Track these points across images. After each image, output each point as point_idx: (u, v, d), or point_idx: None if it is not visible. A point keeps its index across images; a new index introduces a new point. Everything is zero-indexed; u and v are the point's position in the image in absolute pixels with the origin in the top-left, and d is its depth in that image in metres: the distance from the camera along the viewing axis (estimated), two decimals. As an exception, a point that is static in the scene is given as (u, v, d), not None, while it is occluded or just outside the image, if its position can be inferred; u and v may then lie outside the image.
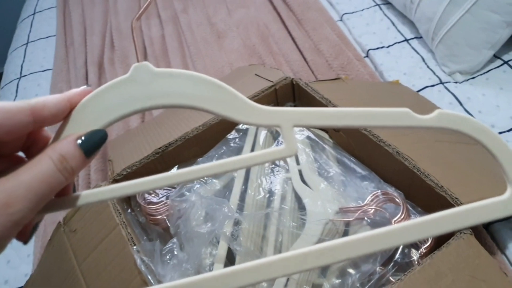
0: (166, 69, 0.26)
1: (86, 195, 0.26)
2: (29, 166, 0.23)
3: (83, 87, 0.27)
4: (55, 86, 1.06)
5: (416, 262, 0.47)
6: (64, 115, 0.26)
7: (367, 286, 0.47)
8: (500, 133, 0.68)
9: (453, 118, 0.28)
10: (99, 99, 0.26)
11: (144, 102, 0.25)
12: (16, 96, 1.06)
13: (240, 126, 0.65)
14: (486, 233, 0.54)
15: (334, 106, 0.61)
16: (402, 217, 0.47)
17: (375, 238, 0.27)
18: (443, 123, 0.27)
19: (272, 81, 0.69)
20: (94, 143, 0.25)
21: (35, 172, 0.22)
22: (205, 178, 0.57)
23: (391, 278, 0.48)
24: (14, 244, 0.76)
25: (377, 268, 0.47)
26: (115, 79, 0.26)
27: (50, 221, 0.76)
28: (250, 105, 0.26)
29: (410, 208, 0.49)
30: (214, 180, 0.59)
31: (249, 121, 0.26)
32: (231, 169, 0.27)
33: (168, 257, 0.47)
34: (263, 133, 0.63)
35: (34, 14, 1.34)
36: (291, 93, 0.70)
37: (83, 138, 0.24)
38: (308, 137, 0.60)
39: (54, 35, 1.24)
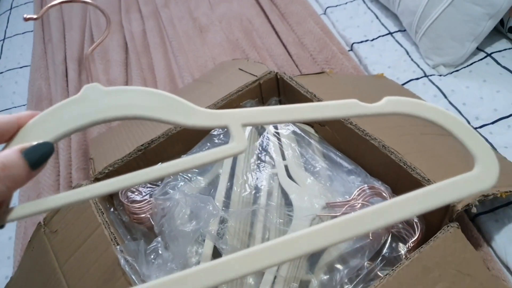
0: (115, 87, 0.27)
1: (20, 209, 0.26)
2: None
3: (33, 112, 0.27)
4: (33, 84, 1.03)
5: (403, 256, 0.47)
6: (11, 134, 0.25)
7: (356, 282, 0.47)
8: (484, 125, 0.69)
9: (401, 102, 0.28)
10: (49, 117, 0.26)
11: (94, 116, 0.27)
12: (-8, 93, 1.03)
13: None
14: (473, 226, 0.54)
15: (319, 100, 0.60)
16: (389, 211, 0.47)
17: (361, 219, 0.28)
18: (392, 109, 0.28)
19: (256, 76, 0.68)
20: (40, 155, 0.24)
21: None
22: (189, 175, 0.56)
23: (379, 273, 0.48)
24: (-7, 247, 0.73)
25: (365, 263, 0.47)
26: (65, 100, 0.27)
27: (30, 222, 0.73)
28: (197, 110, 0.28)
29: (397, 201, 0.49)
30: (198, 178, 0.58)
31: (197, 124, 0.28)
32: (181, 170, 0.28)
33: (152, 256, 0.46)
34: (248, 129, 0.62)
35: (10, 9, 1.30)
36: (275, 88, 0.70)
37: (28, 148, 0.24)
38: (294, 132, 0.60)
39: (31, 31, 1.20)
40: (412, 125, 0.59)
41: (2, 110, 0.99)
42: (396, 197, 0.28)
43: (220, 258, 0.25)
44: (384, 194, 0.49)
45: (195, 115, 0.28)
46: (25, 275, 0.58)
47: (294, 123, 0.61)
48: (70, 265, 0.51)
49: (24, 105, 0.99)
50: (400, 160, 0.50)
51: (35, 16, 0.34)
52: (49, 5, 0.34)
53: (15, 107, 0.99)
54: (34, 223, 0.73)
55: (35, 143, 0.25)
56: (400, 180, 0.50)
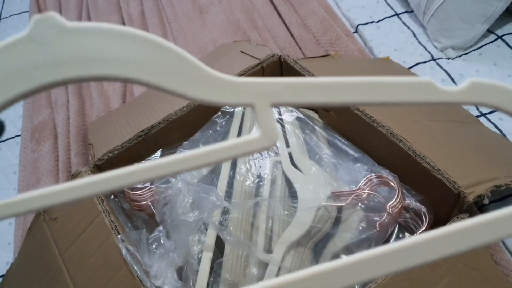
0: (81, 24, 0.17)
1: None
2: None
3: None
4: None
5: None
6: None
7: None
8: (493, 111, 0.67)
9: (491, 90, 0.19)
10: None
11: (51, 72, 0.17)
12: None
13: (225, 108, 0.62)
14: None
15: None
16: (397, 201, 0.45)
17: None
18: (479, 99, 0.19)
19: (258, 59, 0.65)
20: None
21: None
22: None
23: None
24: (-7, 233, 0.73)
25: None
26: (8, 40, 0.17)
27: (30, 208, 0.73)
28: (209, 74, 0.18)
29: (405, 191, 0.48)
30: (200, 164, 0.56)
31: (207, 99, 0.18)
32: (193, 167, 0.19)
33: (154, 246, 0.45)
34: (249, 115, 0.60)
35: (5, -12, 1.26)
36: (278, 71, 0.67)
37: None
38: (298, 118, 0.58)
39: (27, 11, 1.17)
40: (420, 112, 0.57)
41: None
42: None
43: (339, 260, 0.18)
44: (392, 184, 0.47)
45: (205, 82, 0.18)
46: (25, 263, 0.57)
47: (341, 106, 0.59)
48: (71, 253, 0.50)
49: (21, 88, 0.97)
50: (409, 148, 0.48)
51: None
52: None
53: (12, 90, 0.97)
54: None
55: None
56: (409, 169, 0.49)
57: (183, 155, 0.19)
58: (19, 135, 0.88)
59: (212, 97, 0.18)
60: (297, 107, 0.60)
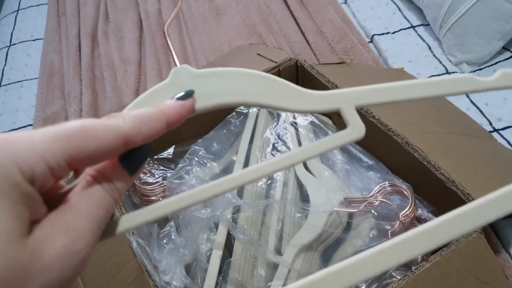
0: (207, 69, 0.24)
1: (126, 220, 0.23)
2: (80, 192, 0.20)
3: (178, 102, 0.24)
4: (45, 57, 1.02)
5: (420, 258, 0.46)
6: (158, 136, 0.23)
7: (370, 281, 0.46)
8: (507, 127, 0.67)
9: None
10: (141, 105, 0.24)
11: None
12: (5, 65, 1.02)
13: (240, 109, 0.62)
14: (491, 231, 0.53)
15: (340, 91, 0.59)
16: (410, 210, 0.45)
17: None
18: (508, 83, 0.26)
19: (275, 62, 0.66)
20: (136, 161, 0.22)
21: (89, 197, 0.20)
22: (204, 160, 0.55)
23: (393, 273, 0.47)
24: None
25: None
26: (156, 85, 0.24)
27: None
28: (304, 92, 0.25)
29: (417, 202, 0.48)
30: (213, 163, 0.57)
31: (306, 109, 0.25)
32: (294, 163, 0.25)
33: (165, 241, 0.45)
34: (263, 117, 0.60)
35: (24, -21, 1.28)
36: (294, 76, 0.68)
37: (125, 157, 0.22)
38: (312, 122, 0.58)
39: (45, 3, 1.18)
40: (435, 123, 0.57)
41: (14, 82, 0.97)
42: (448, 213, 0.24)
43: (352, 258, 0.22)
44: (405, 193, 0.47)
45: (302, 98, 0.25)
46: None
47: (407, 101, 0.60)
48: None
49: (35, 78, 0.98)
50: (423, 158, 0.48)
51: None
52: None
53: (27, 79, 0.98)
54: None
55: (130, 149, 0.22)
56: (422, 179, 0.49)
57: (278, 157, 0.25)
58: (31, 125, 0.88)
59: (309, 107, 0.25)
60: (374, 105, 0.61)
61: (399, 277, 0.44)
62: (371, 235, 0.46)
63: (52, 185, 0.20)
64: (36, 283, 0.18)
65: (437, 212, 0.48)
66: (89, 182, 0.21)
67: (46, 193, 0.20)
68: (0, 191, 0.17)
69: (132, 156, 0.22)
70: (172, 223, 0.47)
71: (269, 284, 0.42)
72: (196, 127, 0.60)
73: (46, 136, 0.19)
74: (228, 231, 0.48)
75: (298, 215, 0.45)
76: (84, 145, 0.20)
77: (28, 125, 0.88)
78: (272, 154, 0.56)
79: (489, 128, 0.67)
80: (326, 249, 0.48)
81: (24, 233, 0.18)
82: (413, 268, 0.41)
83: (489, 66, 0.77)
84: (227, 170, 0.57)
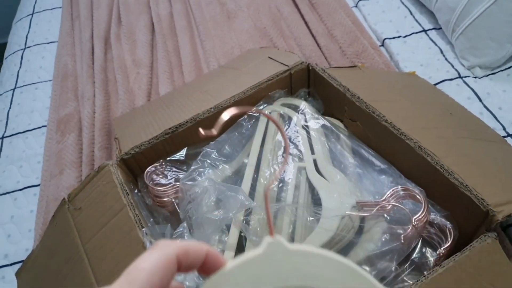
0: (301, 247, 0.23)
1: None
2: None
3: (214, 252, 0.24)
4: (59, 60, 1.03)
5: (433, 263, 0.46)
6: (198, 264, 0.24)
7: (382, 284, 0.45)
8: (521, 132, 0.66)
9: None
10: (231, 276, 0.23)
11: (277, 283, 0.23)
12: (20, 67, 1.03)
13: (252, 112, 0.62)
14: (505, 236, 0.52)
15: (352, 94, 0.59)
16: (423, 214, 0.45)
17: None
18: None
19: (287, 65, 0.66)
20: None
21: None
22: (217, 162, 0.55)
23: (405, 278, 0.47)
24: (16, 219, 0.74)
25: (393, 267, 0.45)
26: (248, 255, 0.23)
27: (52, 197, 0.74)
28: None
29: (430, 206, 0.48)
30: (225, 166, 0.57)
31: None
32: None
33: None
34: (274, 119, 0.61)
35: (39, -17, 1.30)
36: (306, 79, 0.68)
37: None
38: (324, 126, 0.58)
39: (60, 7, 1.20)
40: (448, 127, 0.57)
41: (29, 84, 0.99)
42: None
43: None
44: (418, 197, 0.47)
45: None
46: (47, 250, 0.58)
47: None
48: (93, 244, 0.51)
49: (49, 80, 1.00)
50: (436, 163, 0.48)
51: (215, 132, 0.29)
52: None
53: (41, 82, 1.00)
54: (55, 198, 0.74)
55: None
56: (435, 184, 0.48)
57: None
58: (45, 126, 0.89)
59: None
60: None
61: (411, 282, 0.44)
62: (383, 239, 0.46)
63: None
64: None
65: (450, 217, 0.48)
66: None
67: None
68: None
69: None
70: (185, 224, 0.47)
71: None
72: (209, 129, 0.61)
73: None
74: (240, 233, 0.48)
75: (310, 218, 0.45)
76: None
77: (43, 126, 0.90)
78: (283, 157, 0.56)
79: (502, 133, 0.66)
80: (338, 253, 0.48)
81: None
82: (425, 273, 0.41)
83: (502, 70, 0.77)
84: (238, 172, 0.57)
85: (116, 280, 0.21)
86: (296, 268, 0.23)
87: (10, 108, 0.95)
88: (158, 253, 0.22)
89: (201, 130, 0.28)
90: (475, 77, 0.77)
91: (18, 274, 0.63)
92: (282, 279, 0.23)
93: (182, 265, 0.23)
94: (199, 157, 0.55)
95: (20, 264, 0.62)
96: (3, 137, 0.89)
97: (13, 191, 0.79)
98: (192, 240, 0.23)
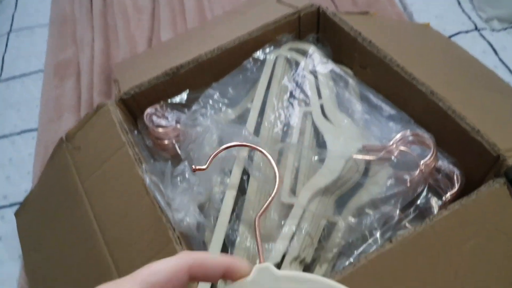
0: (289, 273, 0.24)
1: None
2: None
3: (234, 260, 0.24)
4: (57, 3, 0.99)
5: (437, 209, 0.45)
6: (218, 278, 0.24)
7: (384, 229, 0.45)
8: (536, 85, 0.64)
9: None
10: None
11: None
12: (15, 10, 0.99)
13: (257, 55, 0.60)
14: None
15: (364, 39, 0.56)
16: (431, 159, 0.44)
17: None
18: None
19: (296, 6, 0.63)
20: None
21: None
22: (220, 105, 0.53)
23: (407, 224, 0.46)
24: (14, 161, 0.73)
25: (397, 212, 0.45)
26: (240, 281, 0.24)
27: (51, 141, 0.73)
28: None
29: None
30: (228, 110, 0.55)
31: None
32: None
33: (179, 179, 0.44)
34: (281, 64, 0.58)
35: None
36: (315, 23, 0.65)
37: None
38: (332, 71, 0.56)
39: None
40: (461, 76, 0.55)
41: (25, 28, 0.96)
42: None
43: None
44: (427, 142, 0.46)
45: None
46: (45, 189, 0.58)
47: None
48: (92, 182, 0.50)
49: (46, 24, 0.96)
50: (448, 108, 0.46)
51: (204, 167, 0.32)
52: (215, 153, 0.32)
53: (38, 26, 0.96)
54: (54, 142, 0.72)
55: None
56: (445, 130, 0.47)
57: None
58: (43, 70, 0.87)
59: None
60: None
61: (409, 227, 0.43)
62: (389, 183, 0.45)
63: None
64: None
65: (458, 164, 0.46)
66: None
67: None
68: None
69: None
70: (186, 163, 0.46)
71: (282, 222, 0.42)
72: (211, 73, 0.59)
73: None
74: (242, 175, 0.47)
75: (315, 157, 0.43)
76: None
77: (39, 71, 0.87)
78: (290, 102, 0.54)
79: (515, 88, 0.64)
80: (341, 196, 0.47)
81: None
82: (430, 216, 0.40)
83: (520, 24, 0.73)
84: (242, 117, 0.55)
85: (126, 276, 0.22)
86: None
87: (5, 51, 0.92)
88: (172, 261, 0.22)
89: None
90: (493, 30, 0.73)
91: (17, 213, 0.63)
92: None
93: (197, 277, 0.23)
94: (201, 98, 0.53)
95: (19, 205, 0.62)
96: None
97: (10, 135, 0.78)
98: (216, 253, 0.24)
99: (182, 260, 0.23)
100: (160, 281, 0.21)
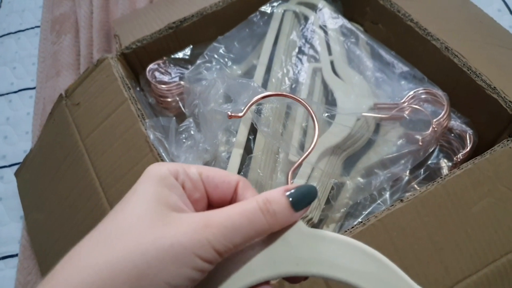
0: (319, 231, 0.23)
1: None
2: (234, 204, 0.22)
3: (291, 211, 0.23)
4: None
5: (449, 169, 0.44)
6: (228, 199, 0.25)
7: (394, 189, 0.44)
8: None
9: None
10: (244, 257, 0.23)
11: (292, 267, 0.22)
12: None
13: (264, 9, 0.57)
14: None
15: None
16: (444, 117, 0.42)
17: None
18: None
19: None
20: (302, 196, 0.23)
21: (238, 206, 0.22)
22: (226, 59, 0.51)
23: (416, 186, 0.45)
24: (12, 121, 0.71)
25: (407, 172, 0.44)
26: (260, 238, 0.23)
27: (49, 99, 0.71)
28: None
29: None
30: (234, 66, 0.53)
31: None
32: None
33: (184, 136, 0.43)
34: (289, 18, 0.56)
35: None
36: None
37: (292, 190, 0.23)
38: (343, 26, 0.53)
39: None
40: (477, 33, 0.52)
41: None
42: None
43: None
44: (440, 100, 0.44)
45: None
46: (45, 147, 0.56)
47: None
48: (93, 139, 0.49)
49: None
50: (463, 64, 0.44)
51: (240, 114, 0.29)
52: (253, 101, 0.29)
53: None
54: (52, 100, 0.70)
55: (300, 184, 0.23)
56: (460, 88, 0.45)
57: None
58: (39, 26, 0.84)
59: None
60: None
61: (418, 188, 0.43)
62: (400, 142, 0.43)
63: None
64: None
65: (471, 124, 0.45)
66: (247, 199, 0.23)
67: None
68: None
69: (296, 189, 0.22)
70: (191, 119, 0.44)
71: (291, 182, 0.40)
72: (216, 26, 0.56)
73: None
74: (248, 135, 0.46)
75: (326, 114, 0.42)
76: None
77: (36, 27, 0.84)
78: (298, 58, 0.52)
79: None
80: (350, 157, 0.46)
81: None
82: (443, 175, 0.39)
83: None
84: (248, 73, 0.53)
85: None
86: (312, 253, 0.22)
87: (0, 6, 0.88)
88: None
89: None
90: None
91: (17, 173, 0.62)
92: (298, 264, 0.22)
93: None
94: (206, 52, 0.51)
95: (18, 166, 0.61)
96: (-6, 37, 0.83)
97: (7, 93, 0.76)
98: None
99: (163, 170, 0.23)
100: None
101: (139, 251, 0.19)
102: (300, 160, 0.27)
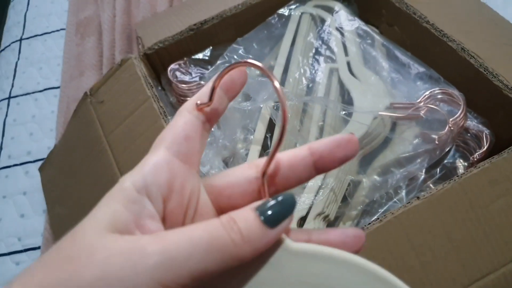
0: (309, 248, 0.19)
1: None
2: (191, 225, 0.19)
3: (262, 229, 0.19)
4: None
5: (465, 169, 0.44)
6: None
7: (409, 188, 0.45)
8: None
9: None
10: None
11: None
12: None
13: (282, 11, 0.58)
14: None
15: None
16: (460, 117, 0.43)
17: None
18: None
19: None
20: (275, 211, 0.19)
21: (199, 224, 0.18)
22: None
23: (431, 185, 0.46)
24: (37, 119, 0.74)
25: (423, 170, 0.44)
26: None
27: (73, 98, 0.73)
28: None
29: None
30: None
31: None
32: None
33: (204, 132, 0.44)
34: (306, 20, 0.57)
35: None
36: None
37: (259, 204, 0.19)
38: (359, 28, 0.54)
39: None
40: (493, 35, 0.53)
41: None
42: None
43: None
44: (456, 99, 0.44)
45: None
46: (69, 143, 0.58)
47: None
48: (116, 135, 0.51)
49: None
50: (480, 65, 0.45)
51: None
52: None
53: (58, -17, 0.95)
54: (76, 99, 0.73)
55: (274, 196, 0.19)
56: (476, 89, 0.46)
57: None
58: (64, 29, 0.87)
59: None
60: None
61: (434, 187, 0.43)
62: (416, 142, 0.44)
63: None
64: None
65: (488, 124, 0.45)
66: (212, 221, 0.19)
67: None
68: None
69: (271, 205, 0.19)
70: (210, 116, 0.46)
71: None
72: (234, 28, 0.58)
73: None
74: (266, 133, 0.47)
75: (343, 112, 0.43)
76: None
77: (61, 29, 0.87)
78: (315, 58, 0.53)
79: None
80: (366, 156, 0.47)
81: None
82: (459, 174, 0.40)
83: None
84: (265, 74, 0.55)
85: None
86: (302, 274, 0.19)
87: (27, 10, 0.91)
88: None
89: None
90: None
91: (41, 168, 0.64)
92: (286, 285, 0.19)
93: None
94: (226, 53, 0.52)
95: (42, 162, 0.63)
96: (21, 39, 0.87)
97: (33, 92, 0.79)
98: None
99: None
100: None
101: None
102: (269, 157, 0.22)
